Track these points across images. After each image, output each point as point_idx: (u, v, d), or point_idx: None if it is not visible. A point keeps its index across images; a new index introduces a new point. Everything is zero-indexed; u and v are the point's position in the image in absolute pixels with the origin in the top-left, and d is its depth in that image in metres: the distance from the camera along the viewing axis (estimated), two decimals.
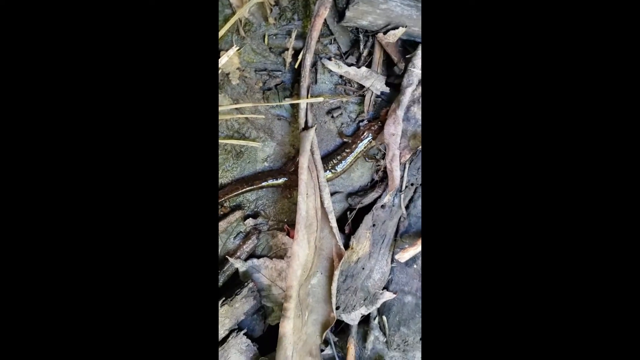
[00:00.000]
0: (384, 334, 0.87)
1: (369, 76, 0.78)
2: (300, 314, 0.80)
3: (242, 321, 0.83)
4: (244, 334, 0.81)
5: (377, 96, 0.81)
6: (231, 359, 0.80)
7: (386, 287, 0.85)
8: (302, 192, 0.75)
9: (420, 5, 0.75)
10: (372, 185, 0.86)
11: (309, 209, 0.77)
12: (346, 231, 0.85)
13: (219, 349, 0.80)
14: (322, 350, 0.85)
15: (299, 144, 0.78)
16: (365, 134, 0.80)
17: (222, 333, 0.81)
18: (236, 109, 0.74)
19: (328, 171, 0.80)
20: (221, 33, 0.69)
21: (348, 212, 0.86)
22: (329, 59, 0.77)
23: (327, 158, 0.81)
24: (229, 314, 0.80)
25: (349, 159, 0.80)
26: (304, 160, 0.75)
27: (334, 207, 0.80)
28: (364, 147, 0.80)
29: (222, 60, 0.69)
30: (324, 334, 0.81)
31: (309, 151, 0.75)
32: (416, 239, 0.83)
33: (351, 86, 0.80)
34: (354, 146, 0.80)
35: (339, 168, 0.80)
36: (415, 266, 0.86)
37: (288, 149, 0.81)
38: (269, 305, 0.85)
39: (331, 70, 0.78)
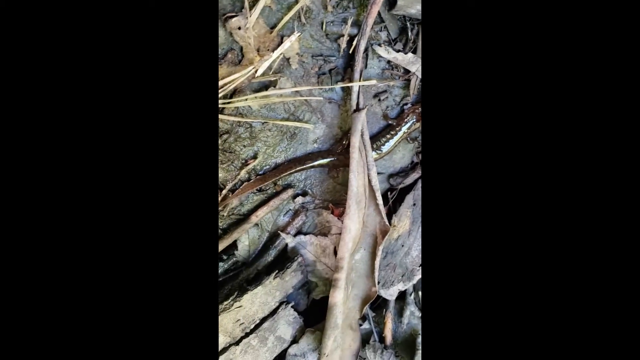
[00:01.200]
0: (420, 309, 0.89)
1: (414, 62, 0.82)
2: (346, 287, 0.82)
3: (290, 294, 0.86)
4: (291, 306, 0.85)
5: (422, 80, 0.84)
6: (280, 329, 0.84)
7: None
8: (354, 170, 0.79)
9: None
10: (413, 166, 0.91)
11: (359, 186, 0.81)
12: (386, 211, 0.87)
13: (268, 321, 0.83)
14: (360, 325, 0.87)
15: (349, 125, 0.81)
16: (409, 116, 0.84)
17: (272, 305, 0.84)
18: (295, 92, 0.78)
19: (374, 152, 0.83)
20: (285, 20, 0.73)
21: (389, 193, 0.89)
22: (379, 45, 0.81)
23: (373, 139, 0.84)
24: (279, 287, 0.84)
25: (394, 140, 0.84)
26: (355, 140, 0.78)
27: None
28: (408, 129, 0.84)
29: (285, 46, 0.73)
30: (364, 309, 0.83)
31: (360, 131, 0.79)
32: None
33: (397, 71, 0.84)
34: (398, 128, 0.84)
35: (384, 149, 0.84)
36: None
37: (336, 131, 0.85)
38: (314, 281, 0.88)
39: (380, 56, 0.82)
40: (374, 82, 0.80)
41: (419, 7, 0.78)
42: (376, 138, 0.85)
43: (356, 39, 0.78)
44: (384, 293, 0.87)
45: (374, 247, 0.84)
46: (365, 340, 0.88)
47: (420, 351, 0.87)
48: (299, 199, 0.88)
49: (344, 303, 0.82)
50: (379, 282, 0.85)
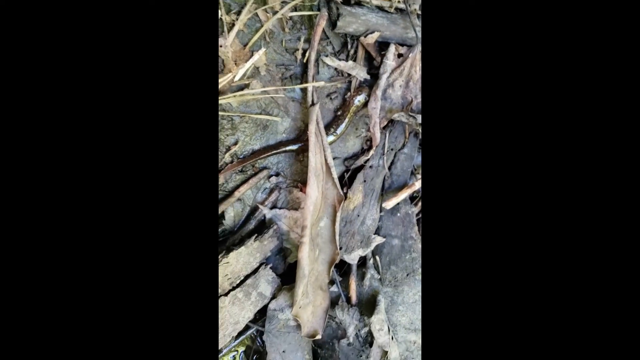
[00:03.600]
0: (378, 272, 1.00)
1: (354, 67, 0.99)
2: (312, 249, 0.97)
3: (269, 258, 0.97)
4: (270, 267, 0.95)
5: (361, 82, 1.02)
6: (261, 286, 0.95)
7: (377, 232, 1.00)
8: (312, 150, 0.95)
9: (389, 16, 1.00)
10: (362, 151, 1.05)
11: (316, 162, 0.97)
12: (344, 190, 1.00)
13: (251, 278, 0.93)
14: (329, 288, 0.97)
15: (308, 117, 1.00)
16: (350, 102, 1.01)
17: (254, 265, 0.94)
18: (264, 92, 0.97)
19: (331, 135, 0.99)
20: (254, 39, 0.95)
21: (345, 173, 1.03)
22: (327, 56, 0.99)
23: (328, 126, 0.99)
24: (259, 249, 0.95)
25: (344, 123, 1.02)
26: (312, 127, 0.96)
27: (335, 168, 0.96)
28: (352, 112, 1.02)
29: (255, 58, 0.93)
30: (331, 271, 0.95)
31: (315, 120, 0.97)
32: (397, 192, 1.00)
33: (342, 75, 1.01)
34: (345, 113, 1.02)
35: (338, 131, 1.01)
36: (398, 214, 1.02)
37: (299, 123, 1.01)
38: (288, 247, 1.00)
39: (328, 64, 0.99)
40: (322, 83, 1.00)
41: (355, 26, 0.99)
42: (331, 124, 1.00)
43: (308, 52, 0.99)
44: (346, 258, 0.98)
45: (334, 216, 0.97)
46: (334, 302, 0.97)
47: (379, 307, 0.99)
48: (273, 179, 1.00)
49: (309, 257, 0.95)
50: (341, 248, 0.97)
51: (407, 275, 1.00)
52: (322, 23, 0.97)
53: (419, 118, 1.00)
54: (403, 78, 1.05)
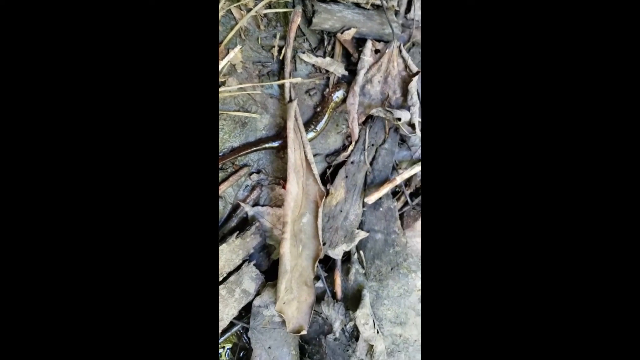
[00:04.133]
0: (363, 267, 1.01)
1: (332, 64, 1.00)
2: (295, 245, 0.98)
3: (252, 255, 0.97)
4: (254, 264, 0.96)
5: (340, 78, 1.03)
6: (244, 283, 0.96)
7: (360, 227, 1.01)
8: (291, 146, 0.95)
9: (365, 12, 1.01)
10: (344, 148, 1.06)
11: (296, 159, 0.98)
12: (327, 186, 1.01)
13: (234, 275, 0.95)
14: (314, 284, 0.97)
15: (286, 113, 1.01)
16: (329, 99, 1.02)
17: (237, 262, 0.95)
18: (242, 89, 0.98)
19: (311, 132, 0.99)
20: (229, 37, 0.96)
21: (327, 169, 1.03)
22: (303, 52, 0.99)
23: (308, 122, 1.00)
24: (242, 247, 0.96)
25: (324, 119, 1.03)
26: (290, 123, 0.97)
27: (316, 166, 0.96)
28: (331, 108, 1.03)
29: (230, 56, 0.95)
30: (315, 266, 0.95)
31: (293, 116, 0.98)
32: (379, 187, 1.00)
33: (320, 72, 1.02)
34: (324, 110, 1.03)
35: (318, 128, 1.01)
36: (381, 209, 1.02)
37: (279, 120, 1.02)
38: (272, 244, 1.00)
39: (305, 61, 1.00)
40: (299, 79, 1.01)
41: (331, 23, 1.00)
42: (311, 121, 1.00)
43: (284, 49, 1.00)
44: (331, 253, 0.99)
45: (316, 212, 0.98)
46: (320, 298, 0.99)
47: (364, 301, 1.00)
48: (254, 176, 1.01)
49: (291, 253, 0.96)
50: (324, 243, 0.98)
51: (392, 269, 1.01)
52: (296, 20, 0.98)
53: (396, 113, 1.00)
54: (381, 74, 1.06)
